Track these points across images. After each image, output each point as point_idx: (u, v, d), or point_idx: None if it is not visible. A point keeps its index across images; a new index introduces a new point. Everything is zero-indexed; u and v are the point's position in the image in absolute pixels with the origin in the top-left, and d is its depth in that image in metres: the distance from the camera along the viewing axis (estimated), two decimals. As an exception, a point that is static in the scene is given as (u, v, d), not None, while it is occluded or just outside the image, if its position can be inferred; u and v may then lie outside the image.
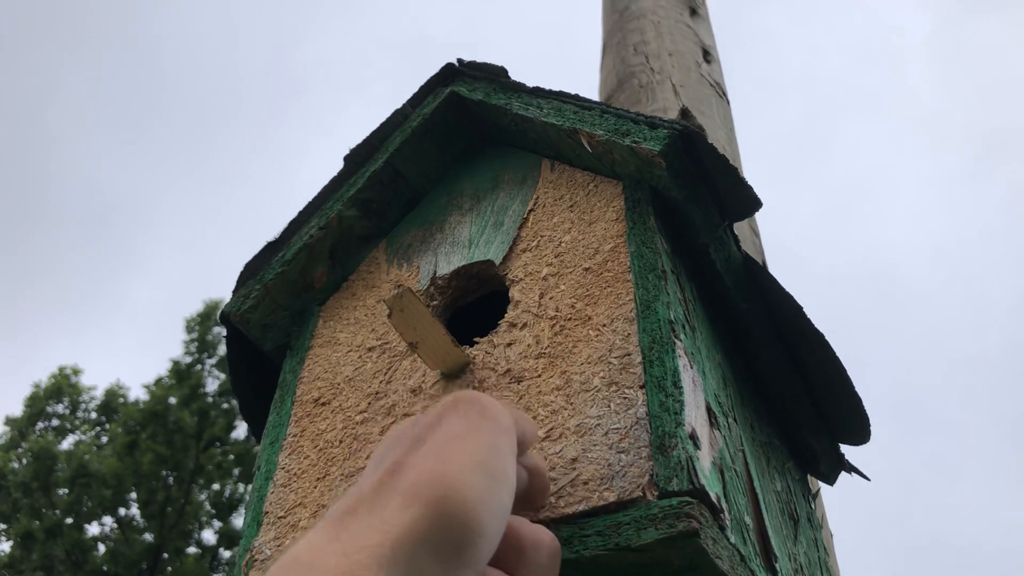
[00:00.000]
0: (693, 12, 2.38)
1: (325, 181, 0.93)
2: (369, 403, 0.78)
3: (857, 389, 0.91)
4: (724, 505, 0.63)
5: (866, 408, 0.94)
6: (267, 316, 0.90)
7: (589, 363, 0.69)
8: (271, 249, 0.91)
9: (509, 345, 0.75)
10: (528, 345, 0.74)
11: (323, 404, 0.81)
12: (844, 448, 1.02)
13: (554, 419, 0.67)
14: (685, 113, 1.93)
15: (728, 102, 2.14)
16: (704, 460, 0.63)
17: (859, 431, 0.97)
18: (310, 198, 0.93)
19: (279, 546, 0.72)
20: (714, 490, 0.62)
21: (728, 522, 0.62)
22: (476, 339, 0.78)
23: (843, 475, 1.06)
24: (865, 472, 1.06)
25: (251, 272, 0.91)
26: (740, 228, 1.56)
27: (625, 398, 0.65)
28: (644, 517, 0.58)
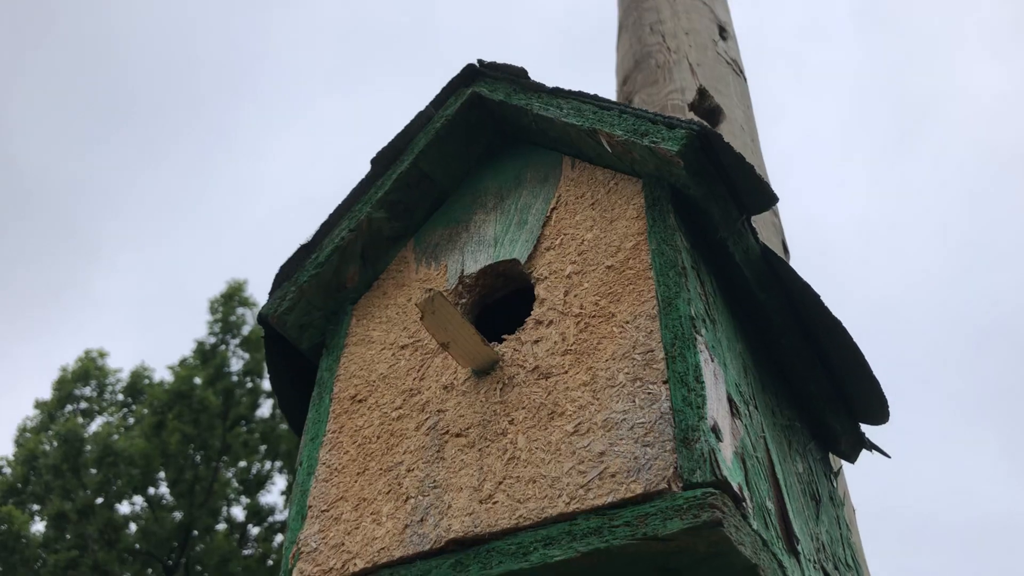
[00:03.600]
0: (707, -12, 2.38)
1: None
2: (404, 400, 0.82)
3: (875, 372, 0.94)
4: (746, 493, 0.66)
5: (883, 390, 0.96)
6: (303, 317, 0.94)
7: (614, 359, 0.73)
8: (304, 252, 0.95)
9: (536, 342, 0.78)
10: (555, 342, 0.77)
11: (360, 401, 0.85)
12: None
13: (582, 414, 0.71)
14: (703, 93, 1.95)
15: (745, 79, 2.15)
16: (726, 451, 0.67)
17: (878, 412, 1.00)
18: (338, 200, 0.96)
19: (323, 538, 0.76)
20: (736, 479, 0.65)
21: (750, 509, 0.66)
22: (504, 336, 0.81)
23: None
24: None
25: (285, 275, 0.95)
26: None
27: (649, 393, 0.69)
28: (670, 508, 0.61)
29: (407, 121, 0.99)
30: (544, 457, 0.69)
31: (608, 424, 0.68)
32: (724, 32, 2.24)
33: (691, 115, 1.86)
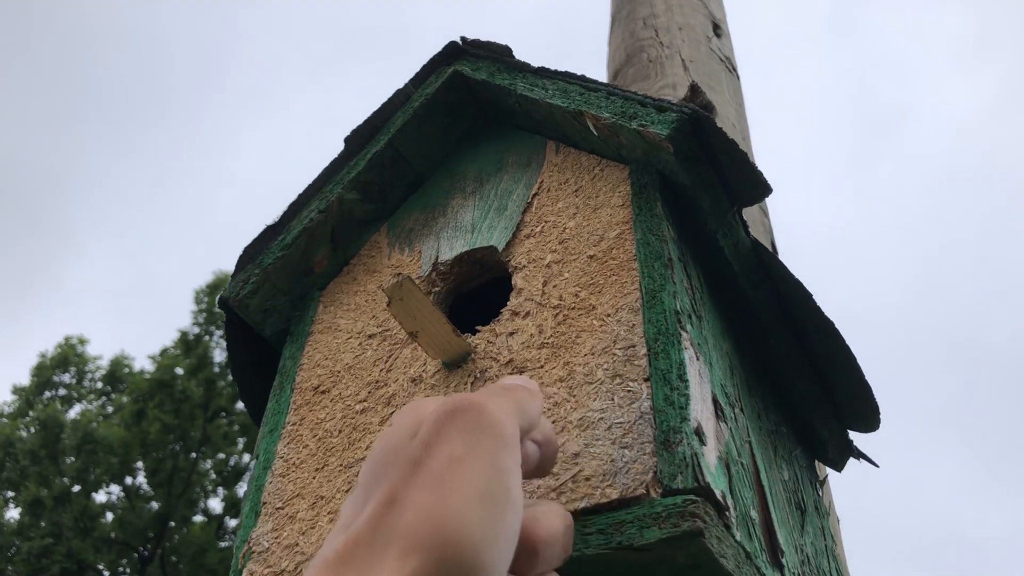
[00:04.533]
0: (703, -16, 2.33)
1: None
2: (369, 392, 0.77)
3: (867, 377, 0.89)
4: (729, 501, 0.62)
5: (875, 396, 0.92)
6: (267, 301, 0.89)
7: (593, 354, 0.68)
8: (270, 233, 0.90)
9: (511, 334, 0.73)
10: (531, 335, 0.72)
11: (323, 392, 0.80)
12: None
13: (556, 412, 0.66)
14: (695, 89, 1.90)
15: (738, 77, 2.11)
16: (710, 455, 0.62)
17: (868, 418, 0.96)
18: (309, 180, 0.91)
19: (276, 537, 0.71)
20: (719, 487, 0.61)
21: (733, 519, 0.61)
22: (478, 327, 0.76)
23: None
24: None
25: (250, 256, 0.89)
26: (748, 208, 1.54)
27: (629, 391, 0.64)
28: (647, 516, 0.57)
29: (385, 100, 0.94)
30: (514, 457, 0.64)
31: (584, 423, 0.64)
32: (718, 29, 2.20)
33: (683, 111, 1.82)
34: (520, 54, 0.90)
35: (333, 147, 0.92)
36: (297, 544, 0.69)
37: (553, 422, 0.65)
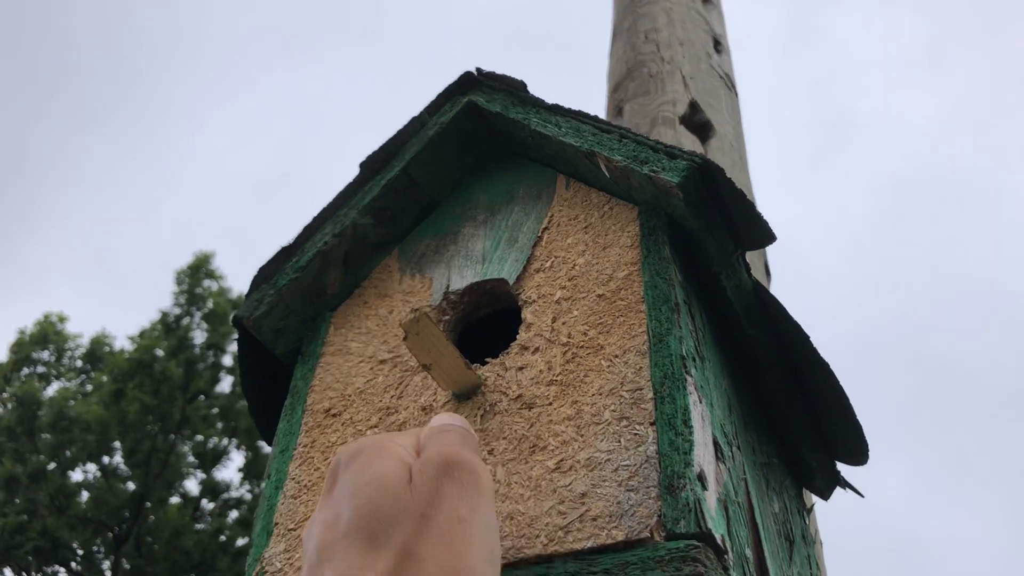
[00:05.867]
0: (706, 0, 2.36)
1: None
2: (380, 418, 0.79)
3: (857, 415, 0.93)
4: (728, 544, 0.65)
5: (864, 432, 0.95)
6: (279, 321, 0.91)
7: (600, 395, 0.70)
8: (285, 254, 0.92)
9: (521, 369, 0.76)
10: (540, 371, 0.75)
11: (334, 415, 0.82)
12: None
13: (564, 450, 0.68)
14: (694, 107, 1.93)
15: (737, 94, 2.14)
16: (710, 499, 0.65)
17: (858, 453, 0.99)
18: (324, 204, 0.93)
19: (289, 559, 0.73)
20: (719, 531, 0.63)
21: (731, 561, 0.64)
22: (487, 359, 0.79)
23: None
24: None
25: (264, 277, 0.92)
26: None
27: (635, 434, 0.67)
28: (651, 558, 0.60)
29: (388, 126, 0.97)
30: (523, 493, 0.67)
31: (592, 463, 0.66)
32: (719, 45, 2.22)
33: (681, 128, 1.85)
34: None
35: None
36: (308, 567, 0.71)
37: (561, 460, 0.68)
